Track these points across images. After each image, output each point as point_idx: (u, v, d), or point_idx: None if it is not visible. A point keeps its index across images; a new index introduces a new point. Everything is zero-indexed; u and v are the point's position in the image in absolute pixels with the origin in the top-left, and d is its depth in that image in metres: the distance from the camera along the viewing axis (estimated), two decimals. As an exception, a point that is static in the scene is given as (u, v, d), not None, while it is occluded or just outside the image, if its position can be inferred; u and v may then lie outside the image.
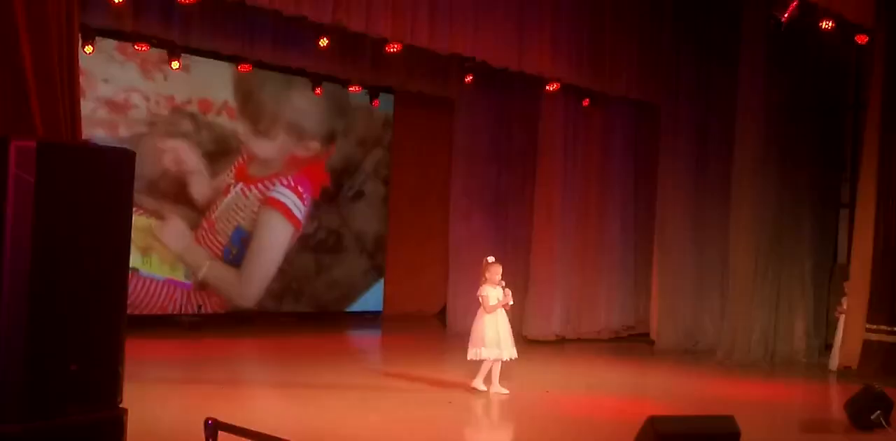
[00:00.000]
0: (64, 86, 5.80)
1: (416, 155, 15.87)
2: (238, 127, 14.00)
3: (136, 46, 11.77)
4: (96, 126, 12.31)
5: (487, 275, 8.54)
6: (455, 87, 13.86)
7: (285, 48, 11.96)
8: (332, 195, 15.35)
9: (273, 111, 14.37)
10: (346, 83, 13.85)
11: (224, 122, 13.86)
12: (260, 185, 14.31)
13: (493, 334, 8.44)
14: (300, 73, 13.35)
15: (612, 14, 12.40)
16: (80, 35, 7.32)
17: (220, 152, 13.81)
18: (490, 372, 8.58)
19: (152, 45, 11.75)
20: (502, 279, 8.55)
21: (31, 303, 4.92)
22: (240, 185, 14.02)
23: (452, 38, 10.68)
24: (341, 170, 15.49)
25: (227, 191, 13.90)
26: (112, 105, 12.63)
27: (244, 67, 12.80)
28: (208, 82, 13.58)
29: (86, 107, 12.20)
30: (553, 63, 11.74)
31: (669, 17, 12.99)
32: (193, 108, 13.51)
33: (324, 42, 11.18)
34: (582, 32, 12.04)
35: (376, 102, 15.15)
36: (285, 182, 14.62)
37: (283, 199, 14.60)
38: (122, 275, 5.52)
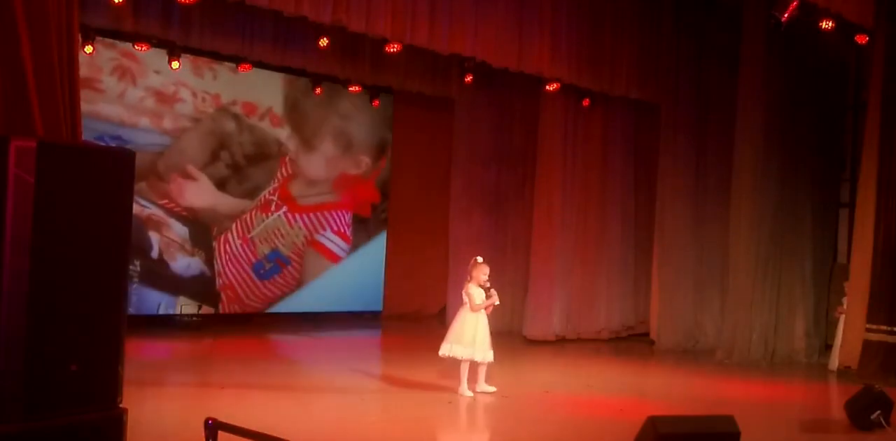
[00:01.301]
0: (64, 86, 5.81)
1: (416, 155, 15.86)
2: (286, 140, 14.19)
3: (136, 46, 11.76)
4: (142, 114, 12.53)
5: (473, 274, 8.51)
6: (455, 87, 13.87)
7: (285, 48, 11.97)
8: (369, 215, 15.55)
9: (321, 125, 14.47)
10: (346, 83, 13.84)
11: (266, 127, 14.03)
12: (306, 219, 14.45)
13: (471, 334, 8.36)
14: (300, 72, 13.35)
15: (612, 14, 12.40)
16: (80, 35, 7.33)
17: (259, 156, 13.93)
18: (473, 373, 8.49)
19: (152, 44, 11.74)
20: (488, 280, 8.49)
21: (31, 303, 4.91)
22: (284, 208, 14.13)
23: (452, 38, 10.68)
24: (380, 191, 15.62)
25: (267, 207, 13.95)
26: (160, 96, 12.78)
27: (244, 67, 12.80)
28: (255, 86, 13.73)
29: (134, 95, 12.49)
30: (553, 63, 11.73)
31: (669, 17, 13.00)
32: (237, 109, 13.67)
33: (324, 42, 11.20)
34: (582, 32, 12.03)
35: (376, 102, 15.14)
36: (335, 227, 14.79)
37: (332, 247, 14.86)
38: (122, 275, 5.52)
